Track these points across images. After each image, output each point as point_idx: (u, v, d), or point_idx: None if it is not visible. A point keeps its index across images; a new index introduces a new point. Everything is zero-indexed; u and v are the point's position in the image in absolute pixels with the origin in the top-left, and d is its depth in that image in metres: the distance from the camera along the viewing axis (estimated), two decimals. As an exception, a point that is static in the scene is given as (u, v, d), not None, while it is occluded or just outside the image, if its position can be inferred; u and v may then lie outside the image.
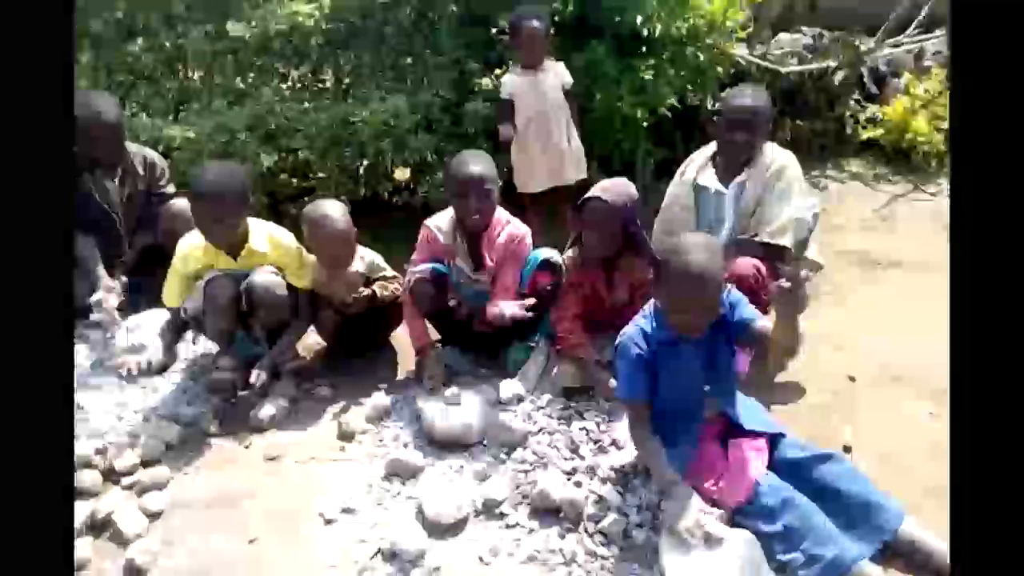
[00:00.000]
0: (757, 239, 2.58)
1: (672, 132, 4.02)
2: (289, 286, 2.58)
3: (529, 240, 2.65)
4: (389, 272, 2.83)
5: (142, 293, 3.01)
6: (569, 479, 2.09)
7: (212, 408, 2.49)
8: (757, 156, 2.63)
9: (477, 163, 2.50)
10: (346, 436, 2.38)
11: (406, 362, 2.80)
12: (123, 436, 2.34)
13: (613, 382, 2.29)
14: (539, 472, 2.12)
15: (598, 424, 2.33)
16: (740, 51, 4.24)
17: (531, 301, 2.46)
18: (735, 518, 1.84)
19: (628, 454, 2.13)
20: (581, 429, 2.31)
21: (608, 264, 2.58)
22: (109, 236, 3.04)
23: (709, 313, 1.89)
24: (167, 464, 2.25)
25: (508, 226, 2.62)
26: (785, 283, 1.77)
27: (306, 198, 3.74)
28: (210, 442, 2.37)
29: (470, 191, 2.47)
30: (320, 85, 3.85)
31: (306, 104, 3.54)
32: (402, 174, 3.96)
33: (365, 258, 2.75)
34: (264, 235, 2.58)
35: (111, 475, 2.19)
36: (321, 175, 3.60)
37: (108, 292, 2.85)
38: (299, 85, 3.79)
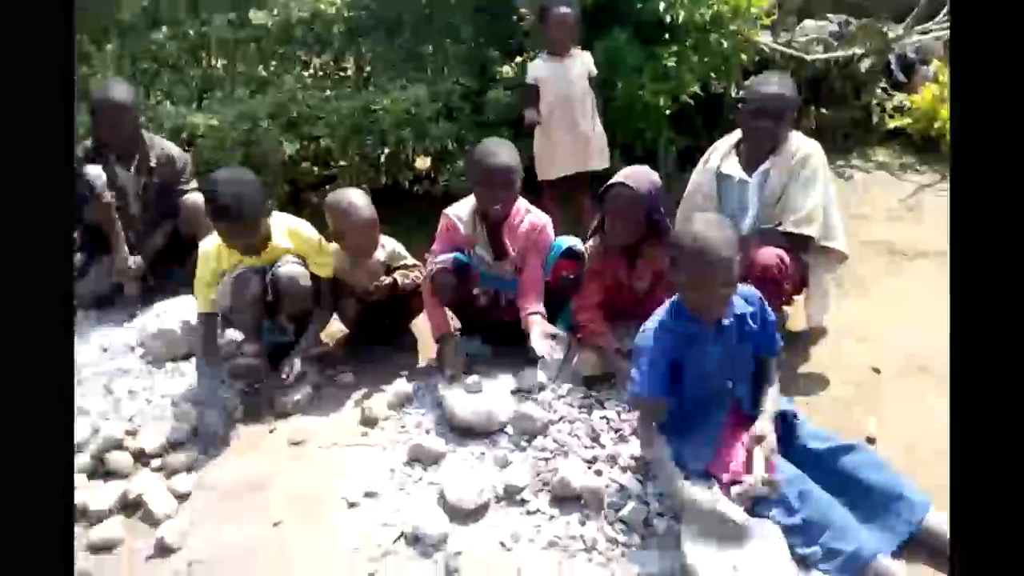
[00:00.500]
0: (781, 228, 2.56)
1: (695, 120, 3.98)
2: (312, 275, 2.60)
3: (551, 229, 2.65)
4: (410, 260, 2.84)
5: (169, 280, 3.06)
6: (590, 467, 2.10)
7: (237, 393, 2.52)
8: (782, 145, 2.60)
9: (502, 153, 2.49)
10: (369, 422, 2.40)
11: (427, 349, 2.82)
12: (152, 419, 2.38)
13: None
14: (560, 460, 2.13)
15: (619, 413, 2.33)
16: (764, 38, 4.19)
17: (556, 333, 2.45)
18: (754, 510, 1.83)
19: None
20: (602, 418, 2.31)
21: (630, 252, 2.57)
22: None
23: (725, 290, 1.87)
24: (194, 447, 2.30)
25: (529, 215, 2.62)
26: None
27: (327, 186, 3.77)
28: (236, 427, 2.40)
29: (494, 182, 2.47)
30: (341, 73, 3.87)
31: (328, 92, 3.56)
32: (423, 163, 3.97)
33: (387, 247, 2.77)
34: (284, 229, 2.58)
35: (141, 457, 2.24)
36: (342, 163, 3.63)
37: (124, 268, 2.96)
38: (321, 73, 3.82)
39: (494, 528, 1.95)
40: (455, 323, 2.79)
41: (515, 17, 3.75)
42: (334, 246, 2.67)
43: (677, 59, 3.57)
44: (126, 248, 3.01)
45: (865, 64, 4.37)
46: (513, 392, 2.42)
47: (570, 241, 2.64)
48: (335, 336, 2.93)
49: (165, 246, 3.13)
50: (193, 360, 2.72)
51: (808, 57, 4.24)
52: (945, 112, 4.14)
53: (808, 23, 4.72)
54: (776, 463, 1.84)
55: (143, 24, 3.72)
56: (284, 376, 2.49)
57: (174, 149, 3.15)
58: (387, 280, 2.71)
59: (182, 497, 2.10)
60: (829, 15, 4.83)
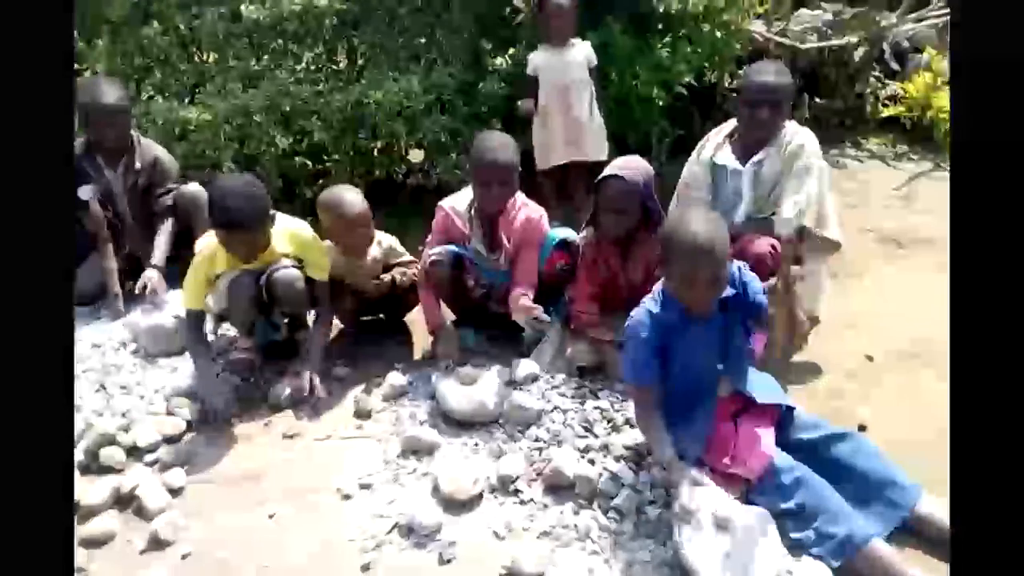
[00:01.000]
0: (774, 218, 2.55)
1: (689, 110, 3.97)
2: (307, 279, 2.56)
3: (546, 221, 2.65)
4: (407, 256, 2.84)
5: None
6: (583, 457, 2.11)
7: (232, 387, 2.52)
8: (776, 134, 2.59)
9: (500, 150, 2.47)
10: (363, 414, 2.40)
11: (421, 341, 2.82)
12: (145, 415, 2.38)
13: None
14: (553, 450, 2.13)
15: (612, 403, 2.34)
16: (758, 28, 4.18)
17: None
18: (748, 496, 1.84)
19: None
20: (595, 408, 2.32)
21: (624, 243, 2.57)
22: (108, 225, 3.07)
23: (716, 286, 1.86)
24: (188, 442, 2.30)
25: (524, 208, 2.62)
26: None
27: (321, 180, 3.76)
28: (230, 420, 2.40)
29: (492, 179, 2.47)
30: (334, 66, 3.85)
31: (320, 86, 3.54)
32: (416, 155, 3.95)
33: (383, 243, 2.76)
34: (283, 234, 2.53)
35: (134, 452, 2.24)
36: (336, 157, 3.61)
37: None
38: (313, 67, 3.79)
39: (488, 518, 1.95)
40: (449, 315, 2.79)
41: (509, 8, 3.73)
42: (328, 244, 2.66)
43: (671, 49, 3.57)
44: (111, 257, 3.01)
45: (859, 53, 4.37)
46: (507, 383, 2.42)
47: (564, 233, 2.63)
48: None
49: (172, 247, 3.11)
50: (186, 354, 2.72)
51: (802, 46, 4.23)
52: (938, 100, 4.15)
53: (802, 12, 4.72)
54: (771, 448, 1.85)
55: (134, 19, 3.70)
56: (304, 391, 2.41)
57: (160, 152, 3.14)
58: (386, 279, 2.71)
59: (176, 491, 2.10)
60: (823, 4, 4.82)
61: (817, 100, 4.33)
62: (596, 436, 2.19)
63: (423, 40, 3.71)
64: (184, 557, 1.89)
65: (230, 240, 2.39)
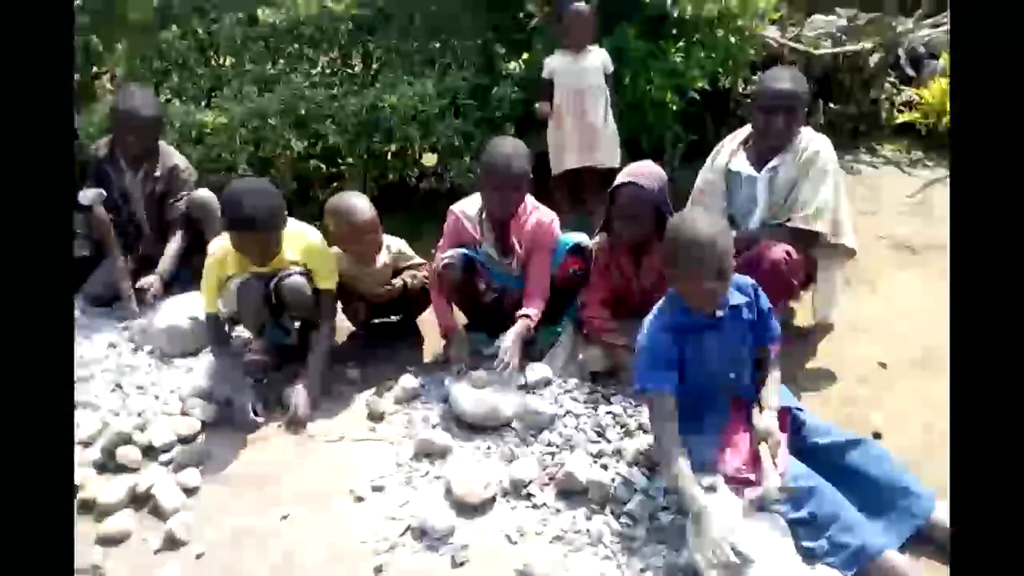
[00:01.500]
0: (789, 224, 2.55)
1: (702, 115, 3.97)
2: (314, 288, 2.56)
3: (557, 226, 2.65)
4: (416, 260, 2.85)
5: (177, 280, 3.10)
6: (595, 462, 2.11)
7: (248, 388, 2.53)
8: (791, 141, 2.58)
9: (511, 157, 2.47)
10: (375, 417, 2.41)
11: (433, 344, 2.83)
12: (160, 415, 2.40)
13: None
14: (566, 454, 2.13)
15: (625, 408, 2.34)
16: (772, 33, 4.16)
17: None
18: (762, 503, 1.83)
19: (655, 438, 2.13)
20: (608, 413, 2.32)
21: (637, 249, 2.57)
22: (124, 228, 3.13)
23: (719, 280, 1.86)
24: (203, 442, 2.32)
25: (536, 212, 2.62)
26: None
27: (335, 184, 3.79)
28: (256, 423, 2.40)
29: (502, 186, 2.47)
30: (349, 71, 3.87)
31: (335, 90, 3.57)
32: (430, 159, 3.97)
33: (392, 247, 2.77)
34: (293, 241, 2.53)
35: (150, 451, 2.26)
36: (350, 161, 3.63)
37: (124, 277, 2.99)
38: (328, 71, 3.82)
39: (500, 522, 1.96)
40: (461, 318, 2.80)
41: (523, 12, 3.75)
42: (338, 250, 2.67)
43: (685, 54, 3.56)
44: (122, 259, 3.04)
45: (874, 59, 4.34)
46: (520, 387, 2.42)
47: (577, 237, 2.64)
48: (341, 332, 2.94)
49: (180, 255, 3.13)
50: (201, 355, 2.74)
51: (816, 52, 4.21)
52: (954, 106, 4.11)
53: (816, 18, 4.69)
54: (784, 457, 1.84)
55: (153, 23, 3.74)
56: (295, 411, 2.40)
57: (180, 159, 3.17)
58: (397, 284, 2.72)
59: (191, 491, 2.12)
60: (838, 9, 4.80)
61: (832, 106, 4.31)
62: (609, 441, 2.19)
63: (437, 44, 3.73)
64: (198, 557, 1.90)
65: (243, 241, 2.41)
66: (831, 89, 4.35)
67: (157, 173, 3.10)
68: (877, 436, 2.17)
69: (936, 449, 2.09)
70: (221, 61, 3.90)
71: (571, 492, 2.02)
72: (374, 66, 3.83)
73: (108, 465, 2.21)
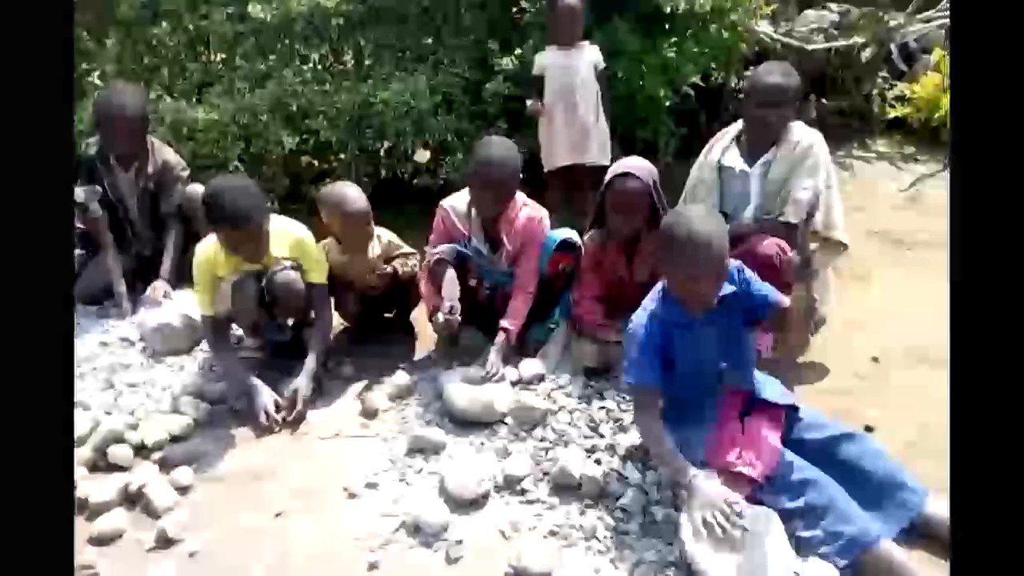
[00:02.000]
0: (782, 219, 2.55)
1: (695, 110, 3.97)
2: (306, 283, 2.55)
3: (547, 222, 2.65)
4: (407, 248, 2.84)
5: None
6: (589, 456, 2.11)
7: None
8: (784, 135, 2.59)
9: (500, 156, 2.46)
10: (369, 413, 2.41)
11: (425, 340, 2.83)
12: (152, 413, 2.39)
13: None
14: (559, 450, 2.13)
15: (618, 404, 2.34)
16: (765, 28, 4.17)
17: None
18: (757, 494, 1.84)
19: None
20: (601, 408, 2.32)
21: (629, 244, 2.57)
22: (117, 225, 3.10)
23: (715, 281, 1.86)
24: (195, 440, 2.31)
25: (526, 208, 2.62)
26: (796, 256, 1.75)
27: (327, 180, 3.77)
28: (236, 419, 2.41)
29: (491, 186, 2.47)
30: (341, 66, 3.85)
31: (327, 86, 3.55)
32: (422, 155, 3.96)
33: (382, 238, 2.77)
34: (282, 237, 2.53)
35: (142, 450, 2.25)
36: (342, 157, 3.62)
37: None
38: (320, 67, 3.80)
39: (494, 517, 1.95)
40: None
41: (515, 8, 3.73)
42: (329, 241, 2.66)
43: (677, 49, 3.56)
44: (115, 257, 3.02)
45: (866, 54, 4.36)
46: (513, 383, 2.42)
47: (566, 233, 2.63)
48: (334, 328, 2.93)
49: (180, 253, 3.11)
50: (194, 353, 2.73)
51: (809, 47, 4.22)
52: (946, 101, 4.13)
53: (809, 13, 4.70)
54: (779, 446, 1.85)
55: (143, 19, 3.72)
56: (293, 402, 2.40)
57: (171, 155, 3.15)
58: (388, 269, 2.71)
59: (183, 489, 2.10)
60: (830, 4, 4.81)
61: (824, 101, 4.32)
62: (602, 436, 2.19)
63: (429, 40, 3.71)
64: (191, 555, 1.89)
65: (234, 238, 2.39)
66: (824, 84, 4.35)
67: (149, 170, 3.08)
68: (869, 430, 2.18)
69: (929, 443, 2.10)
70: (212, 57, 3.87)
71: (565, 487, 2.02)
72: (366, 62, 3.81)
73: (100, 464, 2.20)
